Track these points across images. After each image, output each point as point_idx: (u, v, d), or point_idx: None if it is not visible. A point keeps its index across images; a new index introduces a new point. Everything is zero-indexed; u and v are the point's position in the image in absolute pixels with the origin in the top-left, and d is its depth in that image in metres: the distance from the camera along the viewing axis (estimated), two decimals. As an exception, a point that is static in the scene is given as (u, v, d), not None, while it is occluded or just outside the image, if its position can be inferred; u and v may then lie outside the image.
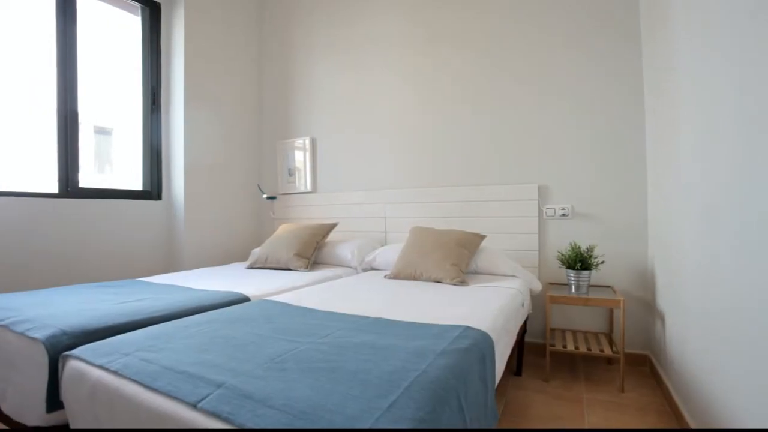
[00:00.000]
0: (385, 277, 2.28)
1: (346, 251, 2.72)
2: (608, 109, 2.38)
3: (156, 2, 2.96)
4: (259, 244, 3.48)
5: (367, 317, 1.40)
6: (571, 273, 2.18)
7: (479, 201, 2.66)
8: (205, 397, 0.80)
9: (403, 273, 2.21)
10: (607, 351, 2.06)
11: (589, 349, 2.09)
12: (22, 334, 1.18)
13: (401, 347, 1.07)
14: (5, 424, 1.23)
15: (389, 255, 2.54)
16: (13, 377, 1.18)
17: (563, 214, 2.47)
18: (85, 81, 2.53)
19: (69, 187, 2.45)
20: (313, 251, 2.63)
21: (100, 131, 2.77)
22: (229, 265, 2.91)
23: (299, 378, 0.87)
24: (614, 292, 2.23)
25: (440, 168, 2.83)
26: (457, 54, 2.78)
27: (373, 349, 1.06)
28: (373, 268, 2.62)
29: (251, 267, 2.66)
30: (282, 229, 2.91)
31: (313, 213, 3.30)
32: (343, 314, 1.44)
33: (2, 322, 1.26)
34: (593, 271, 2.22)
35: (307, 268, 2.54)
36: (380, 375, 0.88)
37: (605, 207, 2.39)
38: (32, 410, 1.13)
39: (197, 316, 1.42)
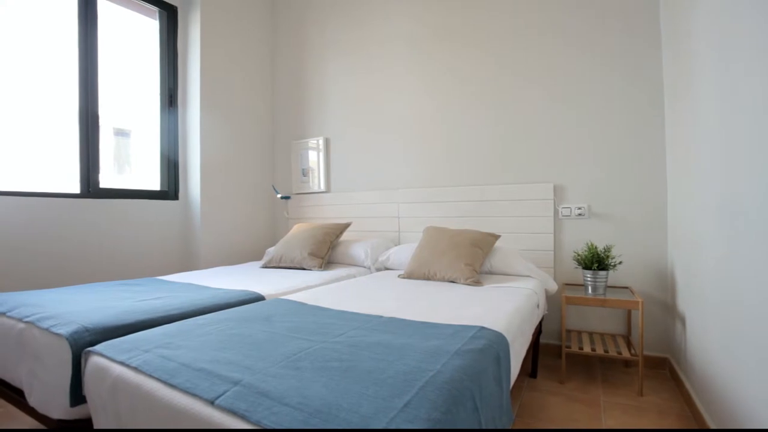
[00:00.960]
0: (398, 276, 2.28)
1: (359, 251, 2.73)
2: (626, 106, 2.33)
3: (173, 6, 3.02)
4: (273, 243, 3.52)
5: (381, 317, 1.40)
6: (588, 273, 2.14)
7: (493, 200, 2.63)
8: (222, 394, 0.81)
9: (416, 273, 2.21)
10: (625, 353, 2.02)
11: (606, 351, 2.06)
12: (46, 330, 1.22)
13: (415, 347, 1.07)
14: (31, 416, 1.27)
15: (403, 255, 2.54)
16: (38, 371, 1.22)
17: (579, 214, 2.43)
18: (104, 84, 2.60)
19: (90, 187, 2.52)
20: (327, 251, 2.64)
21: (119, 133, 2.83)
22: (244, 264, 2.95)
23: (314, 377, 0.88)
24: (632, 293, 2.18)
25: (454, 167, 2.82)
26: (471, 53, 2.76)
27: (387, 348, 1.06)
28: (386, 268, 2.63)
29: (266, 266, 2.69)
30: (296, 228, 2.93)
31: (326, 213, 3.31)
32: (357, 314, 1.45)
33: (28, 319, 1.30)
34: (610, 272, 2.19)
35: (321, 267, 2.56)
36: (395, 375, 0.88)
37: (623, 207, 2.34)
38: (57, 404, 1.16)
39: (213, 314, 1.44)
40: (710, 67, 1.52)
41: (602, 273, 2.12)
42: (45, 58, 2.39)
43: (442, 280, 2.12)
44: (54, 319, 1.27)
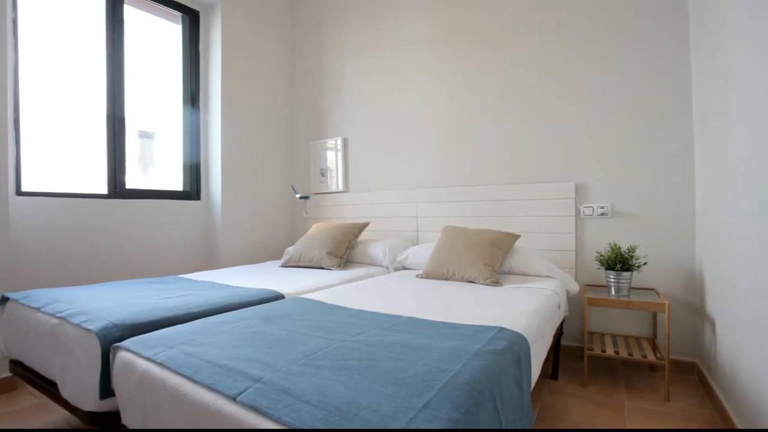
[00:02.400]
0: (417, 276, 2.28)
1: (377, 250, 2.73)
2: (652, 102, 2.26)
3: (195, 11, 3.09)
4: (292, 242, 3.56)
5: (400, 316, 1.40)
6: (611, 274, 2.09)
7: (513, 200, 2.60)
8: (244, 391, 0.83)
9: (435, 272, 2.20)
10: (651, 357, 1.97)
11: (630, 355, 2.00)
12: (78, 325, 1.27)
13: (435, 347, 1.06)
14: (64, 408, 1.32)
15: (421, 254, 2.53)
16: (70, 365, 1.27)
17: (602, 213, 2.37)
18: (130, 88, 2.68)
19: (117, 188, 2.60)
20: (345, 250, 2.66)
21: (144, 135, 2.92)
22: (263, 263, 3.00)
23: (333, 375, 0.88)
24: (658, 294, 2.12)
25: (473, 167, 2.79)
26: (488, 52, 2.73)
27: (406, 348, 1.06)
28: (404, 268, 2.62)
29: (285, 265, 2.73)
30: (315, 228, 2.96)
31: (345, 212, 3.33)
32: (376, 313, 1.45)
33: (61, 314, 1.35)
34: (635, 273, 2.13)
35: (339, 266, 2.57)
36: (414, 375, 0.88)
37: (648, 206, 2.27)
38: (87, 396, 1.20)
39: (234, 312, 1.47)
40: (745, 57, 1.46)
41: (626, 274, 2.06)
42: (75, 66, 2.48)
43: (461, 280, 2.11)
44: (84, 315, 1.32)
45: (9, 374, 1.97)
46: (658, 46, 2.24)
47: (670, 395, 1.92)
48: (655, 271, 2.24)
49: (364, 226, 2.84)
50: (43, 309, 1.45)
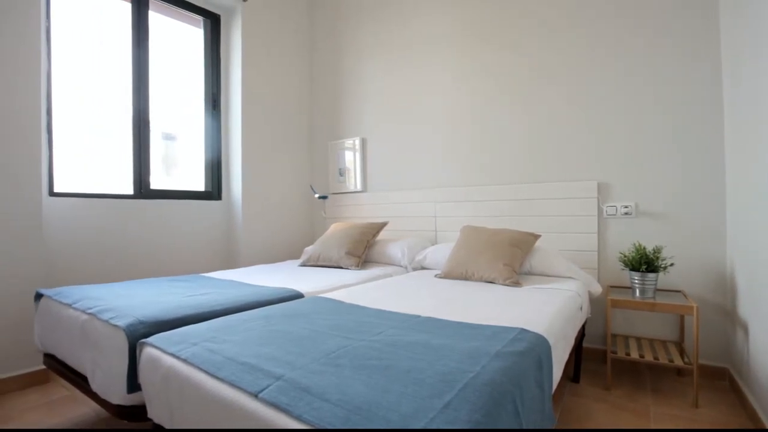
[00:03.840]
0: (435, 276, 2.26)
1: (396, 250, 2.73)
2: (679, 98, 2.19)
3: (216, 14, 3.15)
4: (311, 242, 3.60)
5: (419, 316, 1.40)
6: (635, 276, 2.03)
7: (533, 199, 2.56)
8: (266, 388, 0.84)
9: (454, 272, 2.18)
10: (678, 361, 1.90)
11: (656, 358, 1.94)
12: (106, 322, 1.31)
13: (454, 348, 1.06)
14: (94, 400, 1.37)
15: (440, 254, 2.52)
16: (100, 360, 1.32)
17: (626, 213, 2.31)
18: (154, 91, 2.75)
19: (142, 188, 2.68)
20: (363, 250, 2.67)
21: (167, 137, 2.99)
22: (283, 262, 3.04)
23: (353, 374, 0.89)
24: (685, 297, 2.05)
25: (492, 166, 2.76)
26: (507, 50, 2.69)
27: (425, 348, 1.05)
28: (423, 267, 2.62)
29: (304, 264, 2.75)
30: (333, 227, 2.98)
31: (363, 212, 3.35)
32: (395, 313, 1.45)
33: (90, 311, 1.40)
34: (660, 275, 2.06)
35: (358, 266, 2.58)
36: (434, 375, 0.88)
37: (675, 205, 2.20)
38: (115, 390, 1.24)
39: (255, 310, 1.49)
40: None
41: (651, 275, 2.00)
42: (103, 72, 2.57)
43: (480, 280, 2.09)
44: (112, 311, 1.37)
45: (43, 367, 2.07)
46: (687, 37, 2.16)
47: (699, 402, 1.86)
48: (682, 272, 2.17)
49: (383, 225, 2.85)
50: (74, 305, 1.50)
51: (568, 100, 2.49)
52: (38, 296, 1.74)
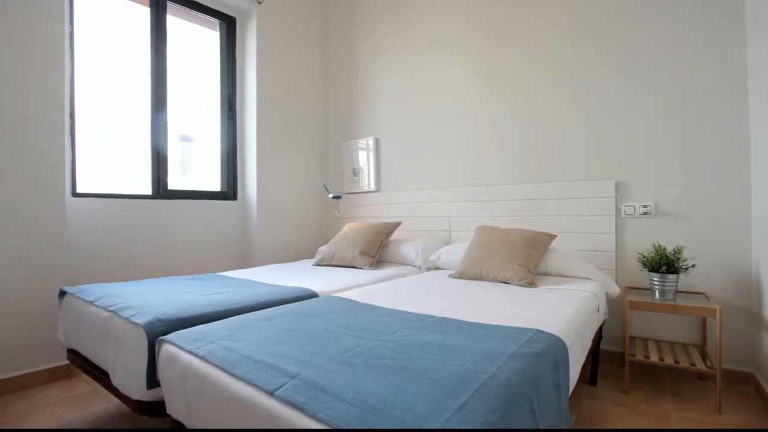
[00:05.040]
0: (449, 276, 2.25)
1: (410, 250, 2.73)
2: (700, 92, 2.13)
3: (232, 17, 3.20)
4: (325, 242, 3.62)
5: (433, 316, 1.39)
6: (655, 277, 1.99)
7: (549, 199, 2.52)
8: (281, 386, 0.85)
9: (468, 273, 2.17)
10: (700, 365, 1.85)
11: (676, 362, 1.90)
12: (126, 319, 1.34)
13: (469, 348, 1.05)
14: (115, 395, 1.40)
15: (454, 254, 2.50)
16: (120, 356, 1.35)
17: (645, 213, 2.26)
18: (171, 94, 2.81)
19: (160, 189, 2.74)
20: (377, 250, 2.67)
21: (184, 138, 3.05)
22: (297, 262, 3.06)
23: (368, 374, 0.89)
24: (708, 299, 1.99)
25: (506, 165, 2.73)
26: (520, 48, 2.66)
27: (440, 348, 1.05)
28: (437, 267, 2.61)
29: (318, 264, 2.77)
30: (347, 227, 2.99)
31: (377, 212, 3.35)
32: (409, 313, 1.45)
33: (112, 308, 1.44)
34: (681, 276, 2.01)
35: (371, 266, 2.59)
36: (449, 375, 0.87)
37: (696, 205, 2.14)
38: (135, 386, 1.27)
39: (270, 309, 1.51)
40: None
41: (671, 276, 1.96)
42: (122, 74, 2.63)
43: (495, 280, 2.07)
44: (132, 309, 1.40)
45: (67, 362, 2.13)
46: (709, 28, 2.10)
47: (723, 407, 1.80)
48: (704, 273, 2.11)
49: (396, 225, 2.84)
50: (95, 303, 1.54)
51: (585, 98, 2.44)
52: (62, 294, 1.79)
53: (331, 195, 3.57)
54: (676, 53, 2.18)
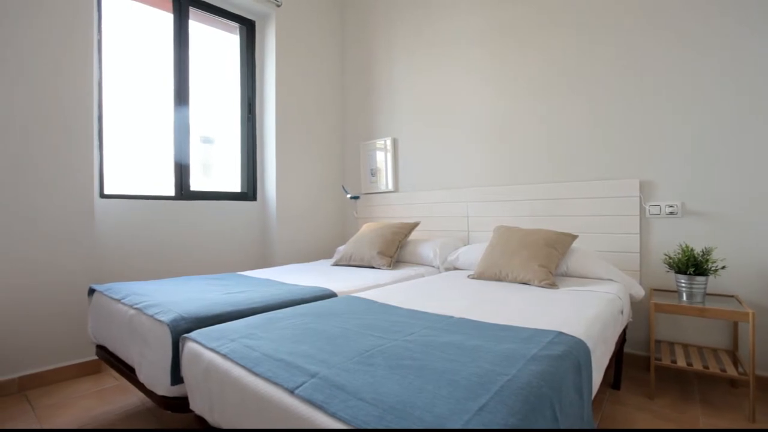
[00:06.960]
0: (468, 277, 2.24)
1: (428, 250, 2.72)
2: (729, 88, 2.05)
3: (251, 21, 3.25)
4: (343, 242, 3.64)
5: (452, 317, 1.38)
6: (682, 279, 1.92)
7: (570, 198, 2.47)
8: (301, 385, 0.86)
9: (487, 273, 2.14)
10: (731, 371, 1.78)
11: (706, 367, 1.83)
12: (151, 317, 1.38)
13: (489, 349, 1.04)
14: (141, 390, 1.45)
15: (472, 254, 2.48)
16: (146, 353, 1.39)
17: (671, 212, 2.19)
18: (193, 97, 2.87)
19: (183, 190, 2.81)
20: (395, 250, 2.67)
21: (205, 140, 3.11)
22: (315, 261, 3.09)
23: (387, 374, 0.89)
24: (740, 302, 1.92)
25: (526, 164, 2.69)
26: (541, 46, 2.62)
27: (459, 349, 1.04)
28: (455, 268, 2.59)
29: (336, 264, 2.79)
30: (365, 227, 3.00)
31: (395, 212, 3.35)
32: (427, 313, 1.44)
33: (137, 306, 1.49)
34: (711, 278, 1.94)
35: (389, 266, 2.59)
36: (468, 376, 0.87)
37: (726, 204, 2.06)
38: (160, 381, 1.31)
39: (290, 308, 1.52)
40: None
41: (700, 278, 1.89)
42: (147, 78, 2.71)
43: (514, 281, 2.04)
44: (157, 307, 1.44)
45: (96, 357, 2.21)
46: (742, 19, 2.02)
47: (756, 415, 1.73)
48: (736, 276, 2.03)
49: (415, 225, 2.84)
50: (122, 300, 1.59)
51: (608, 96, 2.38)
52: (91, 291, 1.85)
53: (349, 195, 3.59)
54: (701, 51, 2.10)
